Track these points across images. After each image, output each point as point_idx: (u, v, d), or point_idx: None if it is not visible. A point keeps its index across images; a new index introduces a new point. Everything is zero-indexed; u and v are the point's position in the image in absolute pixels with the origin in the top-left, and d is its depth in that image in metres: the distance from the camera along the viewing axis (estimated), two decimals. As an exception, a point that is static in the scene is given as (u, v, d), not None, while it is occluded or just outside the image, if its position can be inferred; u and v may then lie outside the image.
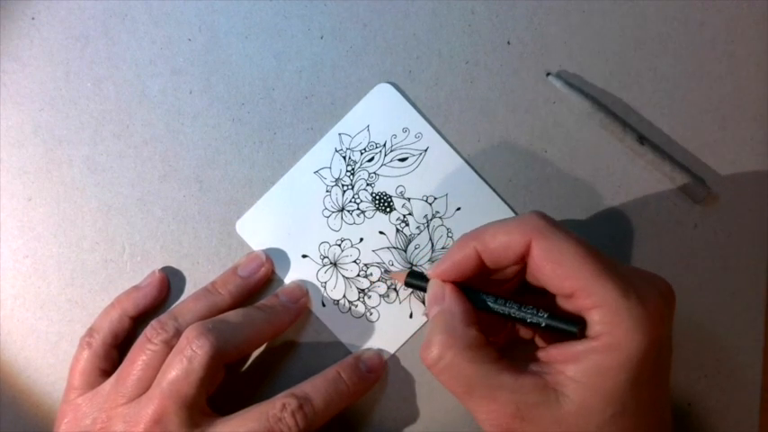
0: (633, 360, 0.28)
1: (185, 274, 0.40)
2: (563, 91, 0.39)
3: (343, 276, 0.39)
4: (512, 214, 0.39)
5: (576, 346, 0.29)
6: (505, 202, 0.39)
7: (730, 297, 0.39)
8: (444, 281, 0.33)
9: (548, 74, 0.39)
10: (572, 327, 0.30)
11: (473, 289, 0.33)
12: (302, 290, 0.39)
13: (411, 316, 0.39)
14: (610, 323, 0.28)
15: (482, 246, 0.31)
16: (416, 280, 0.35)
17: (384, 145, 0.39)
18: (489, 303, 0.32)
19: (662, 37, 0.39)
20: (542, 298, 0.32)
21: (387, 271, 0.39)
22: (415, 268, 0.38)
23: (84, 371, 0.36)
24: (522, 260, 0.31)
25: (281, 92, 0.40)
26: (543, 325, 0.31)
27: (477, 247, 0.31)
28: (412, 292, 0.39)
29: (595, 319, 0.29)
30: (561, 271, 0.29)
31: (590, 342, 0.29)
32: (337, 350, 0.39)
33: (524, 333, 0.35)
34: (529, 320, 0.31)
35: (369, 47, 0.40)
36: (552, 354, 0.30)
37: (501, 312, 0.32)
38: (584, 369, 0.29)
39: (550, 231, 0.30)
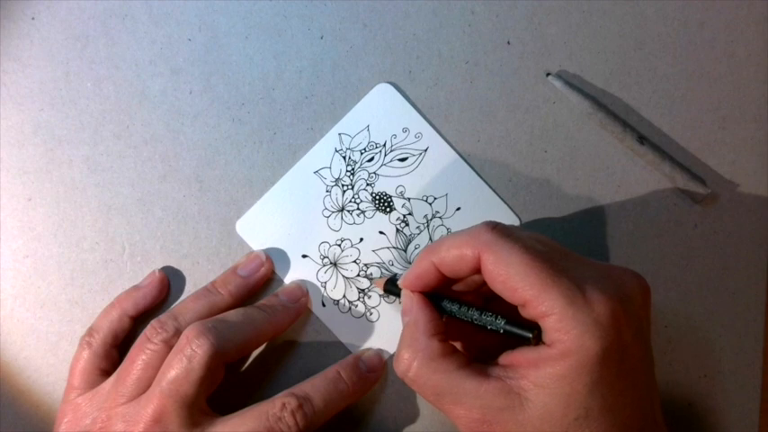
0: (588, 365, 0.28)
1: (185, 274, 0.40)
2: (563, 91, 0.39)
3: (343, 276, 0.39)
4: (512, 214, 0.39)
5: (536, 352, 0.30)
6: (505, 202, 0.39)
7: (730, 297, 0.39)
8: (413, 291, 0.34)
9: (548, 74, 0.39)
10: (527, 333, 0.31)
11: (440, 296, 0.34)
12: (302, 290, 0.39)
13: (411, 316, 0.39)
14: (560, 331, 0.29)
15: (438, 260, 0.32)
16: (395, 287, 0.36)
17: (384, 145, 0.39)
18: (453, 311, 0.33)
19: (662, 37, 0.40)
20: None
21: (371, 278, 0.39)
22: (394, 275, 0.39)
23: (84, 370, 0.36)
24: (480, 270, 0.31)
25: (281, 92, 0.40)
26: (501, 331, 0.31)
27: (434, 261, 0.32)
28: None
29: (548, 327, 0.29)
30: (510, 284, 0.30)
31: (547, 349, 0.29)
32: (337, 350, 0.39)
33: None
34: (489, 327, 0.32)
35: (369, 47, 0.40)
36: (516, 359, 0.31)
37: (464, 319, 0.33)
38: (544, 375, 0.29)
39: (498, 244, 0.30)
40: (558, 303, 0.29)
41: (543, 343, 0.30)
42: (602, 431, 0.29)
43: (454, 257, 0.31)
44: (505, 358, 0.31)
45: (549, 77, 0.39)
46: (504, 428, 0.30)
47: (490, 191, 0.39)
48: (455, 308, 0.33)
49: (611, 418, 0.29)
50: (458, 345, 0.35)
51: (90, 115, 0.40)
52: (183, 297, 0.39)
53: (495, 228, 0.31)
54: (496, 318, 0.32)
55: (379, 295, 0.39)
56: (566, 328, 0.28)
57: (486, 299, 0.35)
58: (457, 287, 0.35)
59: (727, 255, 0.40)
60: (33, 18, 0.40)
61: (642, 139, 0.39)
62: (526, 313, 0.30)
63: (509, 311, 0.32)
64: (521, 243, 0.30)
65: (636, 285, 0.31)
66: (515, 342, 0.31)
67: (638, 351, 0.30)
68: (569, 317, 0.28)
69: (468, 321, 0.32)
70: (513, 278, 0.29)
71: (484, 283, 0.34)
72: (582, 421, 0.29)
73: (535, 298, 0.29)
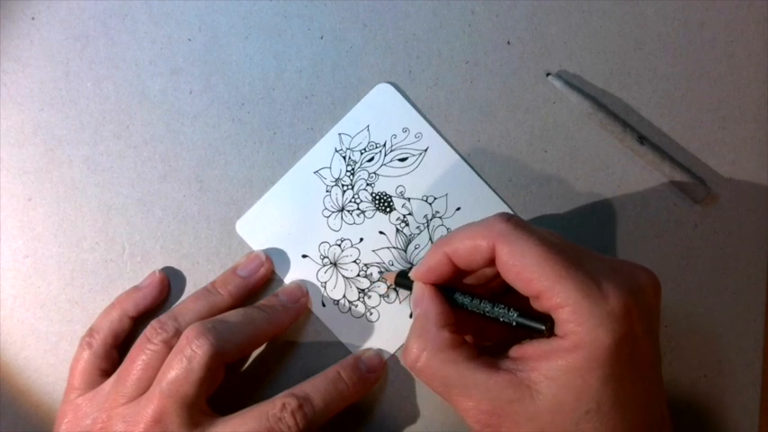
0: (600, 358, 0.28)
1: (185, 274, 0.40)
2: (563, 91, 0.39)
3: (343, 276, 0.39)
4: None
5: (548, 344, 0.30)
6: (505, 203, 0.39)
7: (730, 297, 0.39)
8: (425, 283, 0.33)
9: (548, 74, 0.39)
10: (540, 325, 0.30)
11: (452, 289, 0.33)
12: (302, 290, 0.39)
13: (411, 316, 0.39)
14: (574, 322, 0.29)
15: (452, 251, 0.32)
16: (406, 280, 0.36)
17: (384, 145, 0.39)
18: (465, 303, 0.33)
19: (662, 37, 0.39)
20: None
21: (381, 272, 0.39)
22: (404, 268, 0.39)
23: (84, 371, 0.36)
24: (493, 262, 0.31)
25: (281, 92, 0.40)
26: (514, 324, 0.31)
27: (447, 252, 0.32)
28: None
29: (561, 319, 0.29)
30: (525, 274, 0.30)
31: (559, 341, 0.29)
32: (337, 350, 0.39)
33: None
34: (501, 319, 0.32)
35: (369, 47, 0.40)
36: (527, 351, 0.30)
37: (476, 311, 0.33)
38: (555, 367, 0.29)
39: (513, 235, 0.30)
40: (572, 295, 0.28)
41: (555, 335, 0.30)
42: (612, 425, 0.29)
43: (468, 248, 0.31)
44: (516, 351, 0.31)
45: (549, 77, 0.39)
46: (514, 421, 0.29)
47: (490, 191, 0.39)
48: (467, 300, 0.33)
49: (621, 412, 0.29)
50: (467, 338, 0.35)
51: (90, 115, 0.40)
52: (183, 297, 0.39)
53: (510, 219, 0.31)
54: (509, 310, 0.32)
55: (380, 295, 0.39)
56: (579, 320, 0.28)
57: (495, 294, 0.35)
58: (467, 280, 0.35)
59: (727, 255, 0.40)
60: (33, 18, 0.40)
61: (642, 139, 0.39)
62: (539, 305, 0.30)
63: (519, 306, 0.32)
64: (536, 235, 0.30)
65: (647, 279, 0.31)
66: (525, 335, 0.31)
67: (648, 345, 0.30)
68: (584, 309, 0.28)
69: (480, 314, 0.32)
70: (528, 269, 0.29)
71: (494, 278, 0.34)
72: (593, 414, 0.29)
73: (549, 289, 0.29)
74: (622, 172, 0.39)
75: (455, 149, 0.39)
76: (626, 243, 0.39)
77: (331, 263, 0.39)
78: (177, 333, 0.35)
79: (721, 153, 0.40)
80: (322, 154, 0.39)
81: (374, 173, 0.39)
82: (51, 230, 0.40)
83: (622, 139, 0.39)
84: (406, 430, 0.39)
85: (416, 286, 0.34)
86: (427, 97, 0.39)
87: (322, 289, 0.39)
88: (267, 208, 0.39)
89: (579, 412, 0.29)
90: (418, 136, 0.39)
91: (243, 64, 0.40)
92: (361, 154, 0.39)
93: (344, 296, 0.39)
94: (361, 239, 0.39)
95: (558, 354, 0.29)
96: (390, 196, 0.39)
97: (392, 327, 0.39)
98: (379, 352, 0.39)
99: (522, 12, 0.39)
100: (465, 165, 0.39)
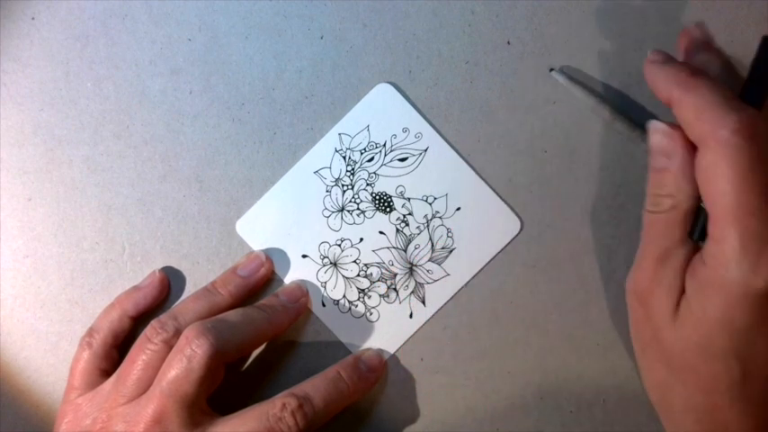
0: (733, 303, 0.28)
1: (185, 274, 0.40)
2: (566, 86, 0.39)
3: (343, 276, 0.39)
4: (512, 214, 0.39)
5: (703, 267, 0.30)
6: (505, 202, 0.39)
7: (730, 297, 0.39)
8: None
9: (551, 69, 0.39)
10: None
11: None
12: (302, 290, 0.39)
13: (411, 316, 0.39)
14: (716, 264, 0.29)
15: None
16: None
17: (384, 145, 0.39)
18: None
19: (662, 37, 0.39)
20: None
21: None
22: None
23: (84, 371, 0.36)
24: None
25: (281, 92, 0.40)
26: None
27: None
28: (412, 291, 0.39)
29: (711, 251, 0.29)
30: (715, 197, 0.29)
31: (705, 270, 0.30)
32: (337, 350, 0.39)
33: None
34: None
35: (369, 47, 0.40)
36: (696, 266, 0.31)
37: None
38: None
39: (730, 149, 0.28)
40: (736, 244, 0.28)
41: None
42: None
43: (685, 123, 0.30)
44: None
45: (553, 72, 0.39)
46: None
47: (490, 191, 0.39)
48: None
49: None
50: None
51: (90, 115, 0.40)
52: (183, 297, 0.39)
53: (740, 131, 0.28)
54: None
55: (380, 295, 0.39)
56: (722, 266, 0.28)
57: None
58: None
59: (727, 255, 0.39)
60: (33, 18, 0.40)
61: (643, 139, 0.39)
62: (710, 220, 0.29)
63: None
64: (760, 163, 0.28)
65: None
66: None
67: None
68: (732, 261, 0.28)
69: None
70: (721, 196, 0.28)
71: None
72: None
73: (723, 226, 0.28)
74: (623, 172, 0.39)
75: (455, 149, 0.39)
76: (627, 243, 0.39)
77: (331, 263, 0.39)
78: (177, 333, 0.35)
79: (721, 153, 0.39)
80: (322, 154, 0.39)
81: (374, 173, 0.39)
82: (51, 230, 0.40)
83: (624, 138, 0.39)
84: (406, 430, 0.39)
85: (664, 132, 0.31)
86: (427, 97, 0.39)
87: (322, 289, 0.39)
88: (267, 208, 0.39)
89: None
90: (418, 136, 0.39)
91: (243, 64, 0.40)
92: (361, 154, 0.39)
93: (344, 296, 0.39)
94: (361, 239, 0.39)
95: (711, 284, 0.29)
96: (390, 196, 0.39)
97: (392, 327, 0.39)
98: (379, 352, 0.39)
99: (522, 12, 0.39)
100: (465, 165, 0.39)
